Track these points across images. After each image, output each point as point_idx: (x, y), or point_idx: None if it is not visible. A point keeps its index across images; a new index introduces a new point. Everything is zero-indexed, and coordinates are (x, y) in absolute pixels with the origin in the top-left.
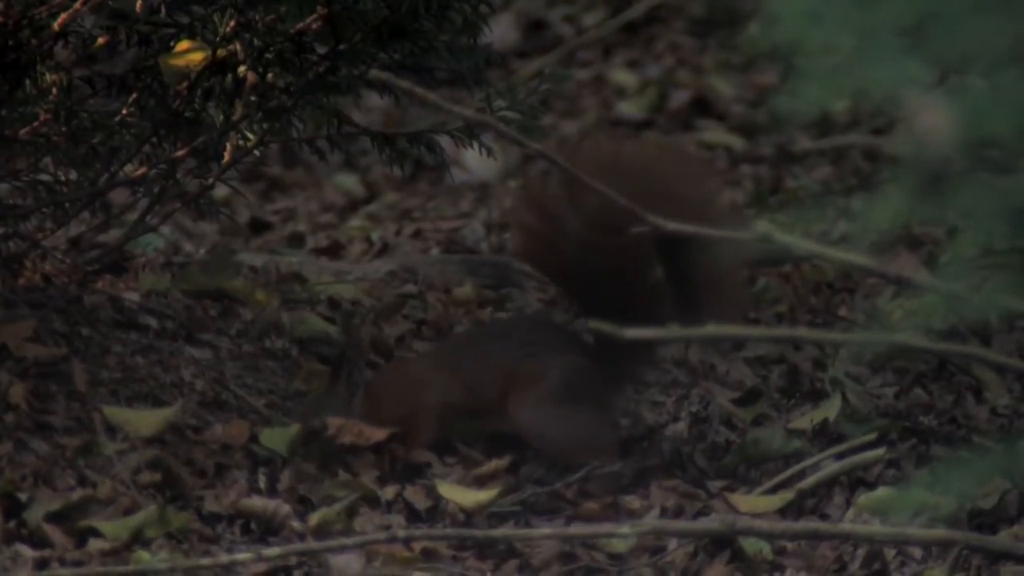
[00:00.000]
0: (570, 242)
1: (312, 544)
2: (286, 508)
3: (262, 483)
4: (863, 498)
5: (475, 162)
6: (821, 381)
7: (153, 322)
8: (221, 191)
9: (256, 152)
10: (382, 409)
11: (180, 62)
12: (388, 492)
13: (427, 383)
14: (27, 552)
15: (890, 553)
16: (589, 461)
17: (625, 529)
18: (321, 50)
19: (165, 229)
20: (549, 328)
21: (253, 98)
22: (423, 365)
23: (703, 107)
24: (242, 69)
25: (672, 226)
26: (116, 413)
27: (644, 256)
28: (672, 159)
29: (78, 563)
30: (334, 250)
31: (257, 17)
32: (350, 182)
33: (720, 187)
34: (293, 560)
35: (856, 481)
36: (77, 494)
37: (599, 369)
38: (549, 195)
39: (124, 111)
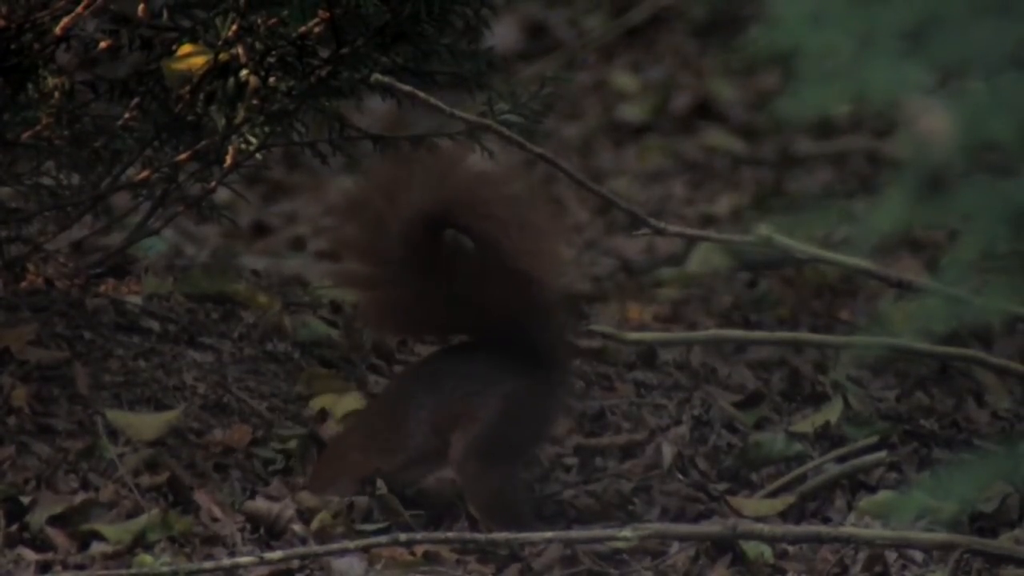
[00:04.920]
0: (390, 249)
1: (314, 547)
2: (289, 511)
3: (265, 485)
4: (864, 501)
5: None
6: (822, 384)
7: (155, 325)
8: (223, 194)
9: (258, 156)
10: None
11: (182, 66)
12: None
13: (360, 462)
14: (29, 555)
15: (891, 556)
16: (507, 526)
17: (627, 532)
18: (323, 54)
19: (167, 232)
20: (482, 356)
21: (255, 102)
22: (356, 439)
23: (704, 110)
24: (244, 73)
25: (674, 230)
26: (118, 416)
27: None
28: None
29: (80, 567)
30: (336, 253)
31: (259, 21)
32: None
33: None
34: (295, 563)
35: (857, 484)
36: (79, 497)
37: (531, 386)
38: (368, 206)
39: (126, 115)
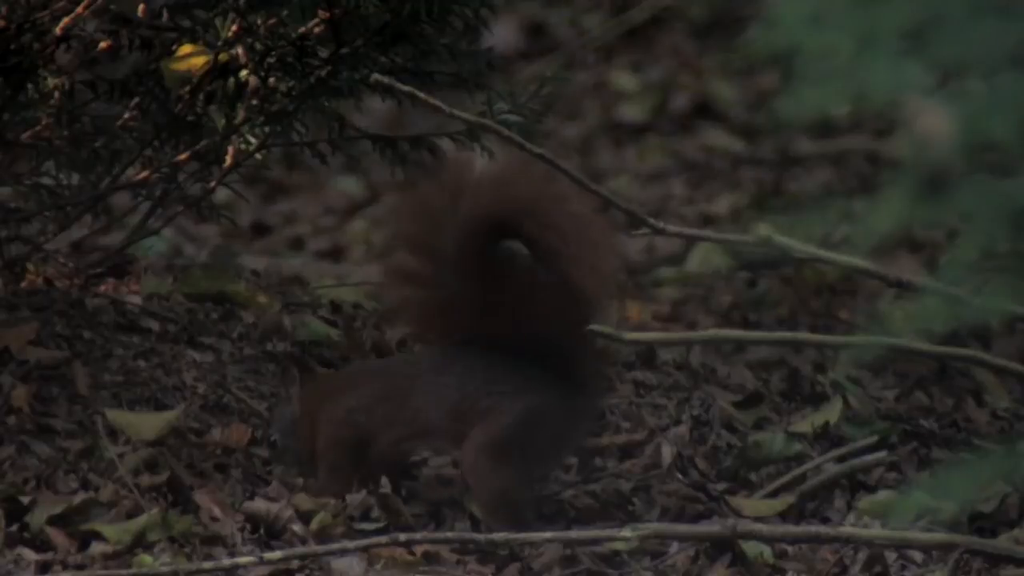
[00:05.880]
0: (448, 250)
1: (314, 547)
2: (288, 511)
3: (264, 486)
4: (864, 501)
5: None
6: (822, 384)
7: (155, 325)
8: (223, 194)
9: (258, 155)
10: (316, 436)
11: (182, 66)
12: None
13: (364, 419)
14: (29, 555)
15: (891, 556)
16: (508, 526)
17: (626, 532)
18: (323, 54)
19: (167, 232)
20: (518, 359)
21: (255, 102)
22: (365, 392)
23: (704, 110)
24: (244, 73)
25: (674, 229)
26: (118, 416)
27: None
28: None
29: (80, 566)
30: (335, 253)
31: (259, 21)
32: (351, 185)
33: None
34: (295, 563)
35: (857, 484)
36: (79, 497)
37: (559, 404)
38: (430, 203)
39: (126, 115)
